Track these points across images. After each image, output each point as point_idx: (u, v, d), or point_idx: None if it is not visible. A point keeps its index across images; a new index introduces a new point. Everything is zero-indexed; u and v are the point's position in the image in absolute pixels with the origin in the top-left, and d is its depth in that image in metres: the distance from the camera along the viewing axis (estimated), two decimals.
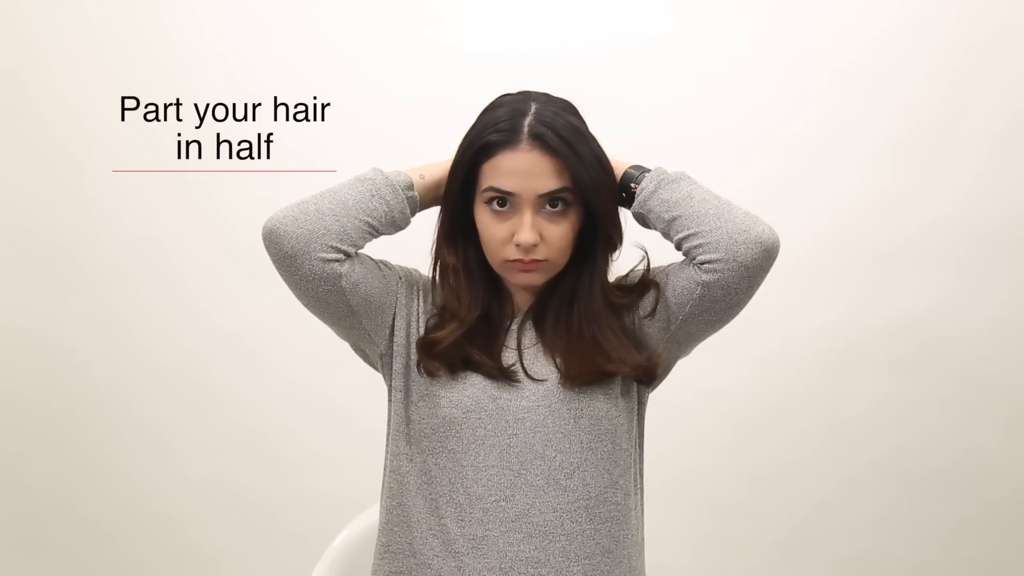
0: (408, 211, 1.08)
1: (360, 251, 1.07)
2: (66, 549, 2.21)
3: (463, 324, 1.09)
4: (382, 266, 1.12)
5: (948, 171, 2.03)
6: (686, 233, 1.02)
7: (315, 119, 2.08)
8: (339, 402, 2.07)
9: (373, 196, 1.05)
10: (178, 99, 2.10)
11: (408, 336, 1.11)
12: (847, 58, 2.02)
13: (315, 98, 2.08)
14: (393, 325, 1.11)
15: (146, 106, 2.11)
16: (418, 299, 1.13)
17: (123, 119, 2.11)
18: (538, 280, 1.07)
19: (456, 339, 1.07)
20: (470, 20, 2.07)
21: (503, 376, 1.06)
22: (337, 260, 1.03)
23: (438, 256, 1.12)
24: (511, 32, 2.06)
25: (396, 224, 1.08)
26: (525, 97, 1.05)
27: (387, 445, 1.14)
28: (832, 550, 2.12)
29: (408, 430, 1.09)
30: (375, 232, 1.07)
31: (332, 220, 1.03)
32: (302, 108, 2.09)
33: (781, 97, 2.04)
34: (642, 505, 1.16)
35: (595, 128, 1.10)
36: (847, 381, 2.08)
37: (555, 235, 1.04)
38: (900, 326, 2.06)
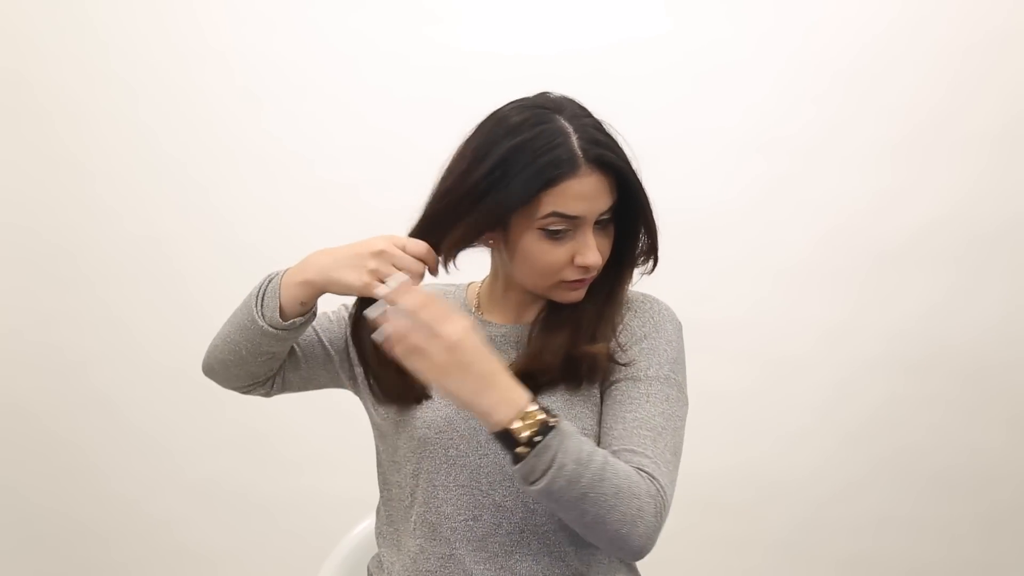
0: (303, 330, 1.07)
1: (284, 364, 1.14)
2: (65, 550, 2.21)
3: None
4: (324, 341, 1.15)
5: (948, 171, 2.03)
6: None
7: (314, 119, 2.09)
8: (339, 402, 2.05)
9: (258, 343, 1.07)
10: (178, 99, 2.10)
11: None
12: (847, 58, 2.02)
13: (315, 98, 2.08)
14: (353, 375, 1.16)
15: (147, 105, 2.11)
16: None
17: (124, 119, 2.11)
18: (583, 296, 1.05)
19: None
20: (470, 20, 2.07)
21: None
22: (255, 388, 1.15)
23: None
24: (511, 32, 2.06)
25: (297, 336, 1.08)
26: (549, 111, 0.99)
27: (380, 473, 1.16)
28: (834, 551, 2.12)
29: (396, 457, 1.10)
30: (280, 354, 1.10)
31: (236, 370, 1.11)
32: (302, 108, 2.09)
33: (781, 97, 2.04)
34: None
35: None
36: (848, 381, 2.08)
37: (605, 250, 1.03)
38: (901, 327, 2.06)
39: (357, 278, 0.98)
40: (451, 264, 1.04)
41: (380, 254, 0.98)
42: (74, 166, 2.13)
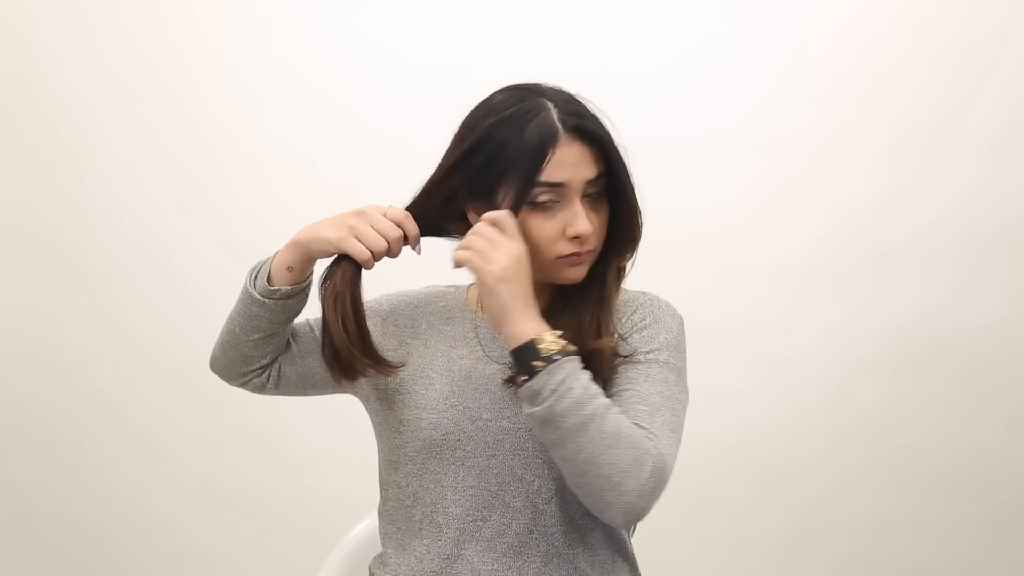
0: (293, 304, 1.10)
1: (281, 353, 1.15)
2: (65, 549, 2.21)
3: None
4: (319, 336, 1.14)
5: (948, 171, 2.03)
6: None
7: (314, 119, 2.09)
8: (340, 402, 2.06)
9: (250, 316, 1.10)
10: (178, 98, 2.10)
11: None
12: (846, 58, 2.02)
13: (315, 98, 2.08)
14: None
15: (147, 105, 2.11)
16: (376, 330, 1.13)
17: (124, 119, 2.12)
18: (584, 273, 1.04)
19: None
20: (470, 20, 2.07)
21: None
22: (252, 377, 1.16)
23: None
24: (511, 32, 2.06)
25: (289, 313, 1.10)
26: (532, 92, 1.03)
27: (380, 472, 1.16)
28: (832, 550, 2.12)
29: (395, 456, 1.10)
30: (273, 336, 1.11)
31: (232, 352, 1.13)
32: (302, 108, 2.09)
33: (780, 97, 2.04)
34: (631, 531, 1.15)
35: None
36: (847, 381, 2.08)
37: (599, 223, 1.03)
38: (900, 326, 2.06)
39: (335, 233, 1.04)
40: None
41: (361, 214, 1.04)
42: (74, 166, 2.14)
